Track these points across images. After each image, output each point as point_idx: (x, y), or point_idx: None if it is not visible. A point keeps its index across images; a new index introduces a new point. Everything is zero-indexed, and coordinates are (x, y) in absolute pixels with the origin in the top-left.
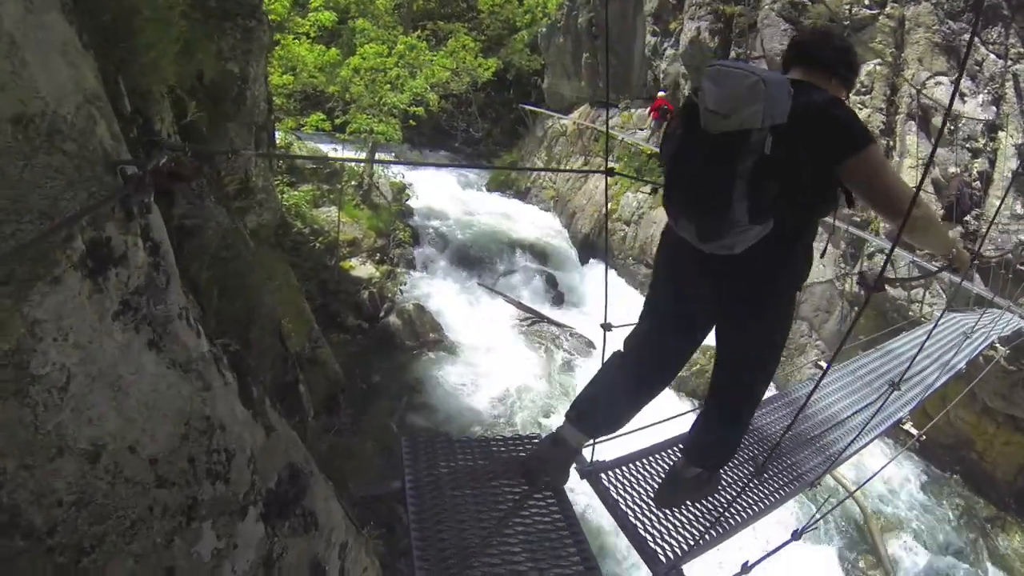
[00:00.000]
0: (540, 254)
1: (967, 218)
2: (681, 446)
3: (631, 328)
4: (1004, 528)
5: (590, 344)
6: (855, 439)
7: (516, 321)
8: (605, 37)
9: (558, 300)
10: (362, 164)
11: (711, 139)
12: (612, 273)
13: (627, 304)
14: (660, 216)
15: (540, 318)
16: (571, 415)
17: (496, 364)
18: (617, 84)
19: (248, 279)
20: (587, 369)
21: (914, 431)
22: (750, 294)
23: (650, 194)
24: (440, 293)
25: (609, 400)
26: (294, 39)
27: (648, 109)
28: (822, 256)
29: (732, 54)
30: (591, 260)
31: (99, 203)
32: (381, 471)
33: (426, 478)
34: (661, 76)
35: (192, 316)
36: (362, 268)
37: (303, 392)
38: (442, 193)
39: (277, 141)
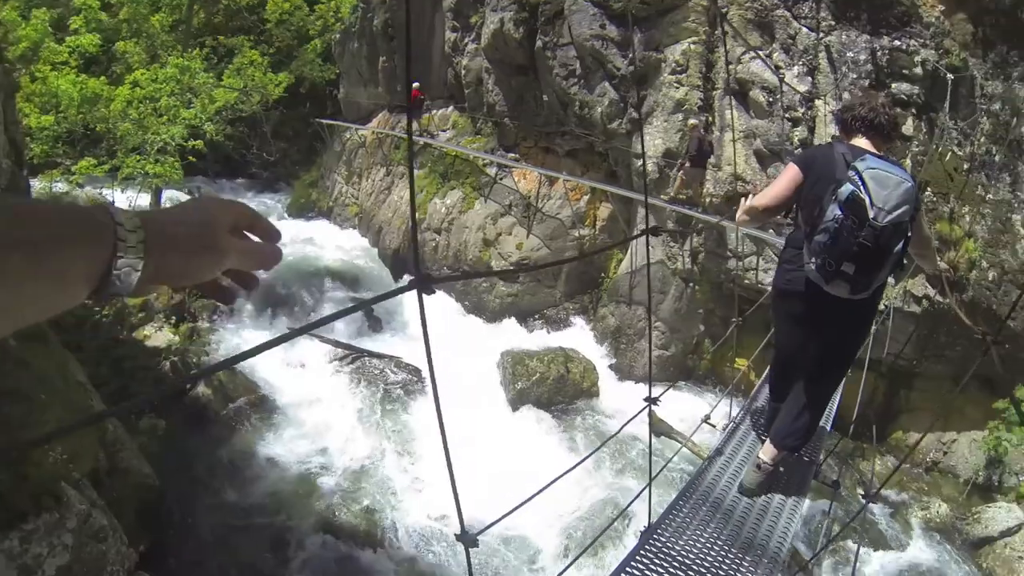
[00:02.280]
0: (351, 279)
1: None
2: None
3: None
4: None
5: (417, 372)
6: None
7: (336, 361)
8: (407, 36)
9: (377, 327)
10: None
11: (879, 228)
12: None
13: (448, 319)
14: (472, 221)
15: (360, 353)
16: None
17: (322, 416)
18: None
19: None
20: (418, 400)
21: None
22: (863, 325)
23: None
24: (250, 344)
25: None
26: (52, 70)
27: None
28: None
29: (538, 43)
30: (404, 277)
31: None
32: None
33: None
34: (463, 73)
35: None
36: (159, 335)
37: None
38: None
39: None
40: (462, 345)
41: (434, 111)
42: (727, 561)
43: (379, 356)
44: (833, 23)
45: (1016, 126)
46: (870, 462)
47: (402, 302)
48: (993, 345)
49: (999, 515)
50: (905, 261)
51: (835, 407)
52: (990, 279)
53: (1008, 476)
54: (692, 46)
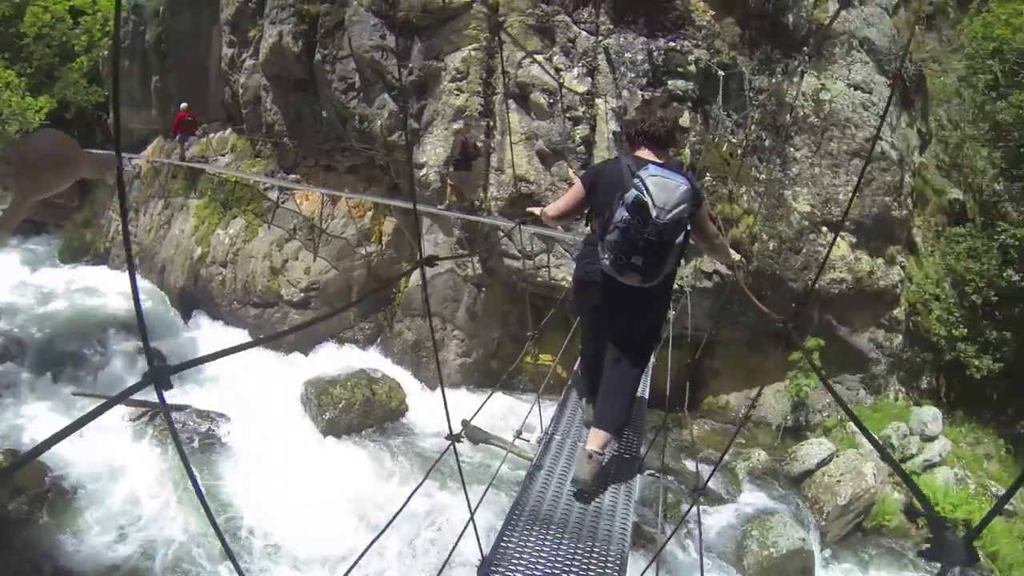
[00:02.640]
0: (136, 327)
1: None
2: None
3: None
4: (682, 424)
5: (221, 418)
6: None
7: (132, 422)
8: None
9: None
10: None
11: (661, 225)
12: (219, 324)
13: (242, 355)
14: (257, 250)
15: (155, 408)
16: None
17: (128, 488)
18: (192, 106)
19: None
20: (228, 448)
21: None
22: (654, 317)
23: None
24: (33, 420)
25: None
26: None
27: (172, 126)
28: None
29: (317, 56)
30: (194, 314)
31: None
32: None
33: None
34: (240, 92)
35: None
36: None
37: None
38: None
39: None
40: (262, 380)
41: (211, 134)
42: (576, 569)
43: (177, 408)
44: (612, 27)
45: (781, 114)
46: (688, 429)
47: (195, 343)
48: (793, 330)
49: (812, 450)
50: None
51: (648, 381)
52: (771, 249)
53: (812, 415)
54: (473, 53)
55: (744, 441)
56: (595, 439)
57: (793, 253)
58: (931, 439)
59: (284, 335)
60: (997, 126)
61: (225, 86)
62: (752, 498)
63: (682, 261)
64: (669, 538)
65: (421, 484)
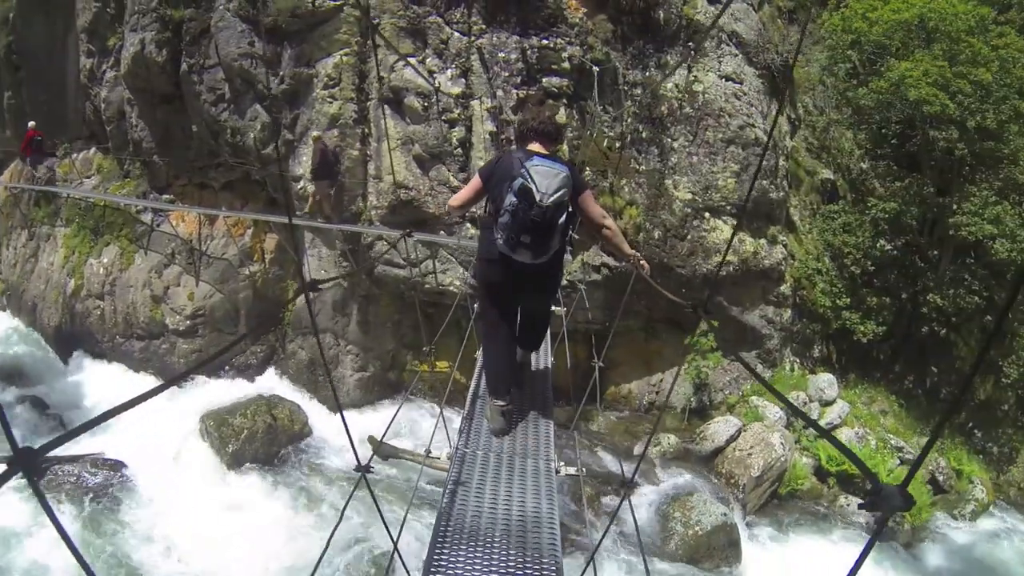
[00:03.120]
0: (13, 373)
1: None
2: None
3: None
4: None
5: (118, 466)
6: None
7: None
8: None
9: (58, 424)
10: None
11: (544, 207)
12: (102, 362)
13: (130, 395)
14: (135, 278)
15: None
16: (497, 389)
17: (31, 555)
18: (50, 123)
19: None
20: (131, 498)
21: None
22: (547, 289)
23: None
24: None
25: (507, 363)
26: None
27: (20, 148)
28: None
29: (184, 66)
30: (74, 354)
31: None
32: None
33: None
34: (103, 106)
35: None
36: None
37: None
38: None
39: None
40: (156, 420)
41: (74, 154)
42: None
43: (71, 460)
44: (484, 27)
45: (656, 107)
46: (595, 422)
47: (78, 386)
48: (704, 314)
49: (720, 428)
50: (577, 236)
51: (551, 360)
52: (656, 237)
53: (715, 394)
54: (344, 58)
55: (652, 427)
56: (498, 399)
57: (678, 240)
58: (829, 403)
59: (182, 376)
60: (859, 110)
61: (86, 100)
62: (669, 481)
63: (569, 257)
64: (603, 537)
65: (338, 525)
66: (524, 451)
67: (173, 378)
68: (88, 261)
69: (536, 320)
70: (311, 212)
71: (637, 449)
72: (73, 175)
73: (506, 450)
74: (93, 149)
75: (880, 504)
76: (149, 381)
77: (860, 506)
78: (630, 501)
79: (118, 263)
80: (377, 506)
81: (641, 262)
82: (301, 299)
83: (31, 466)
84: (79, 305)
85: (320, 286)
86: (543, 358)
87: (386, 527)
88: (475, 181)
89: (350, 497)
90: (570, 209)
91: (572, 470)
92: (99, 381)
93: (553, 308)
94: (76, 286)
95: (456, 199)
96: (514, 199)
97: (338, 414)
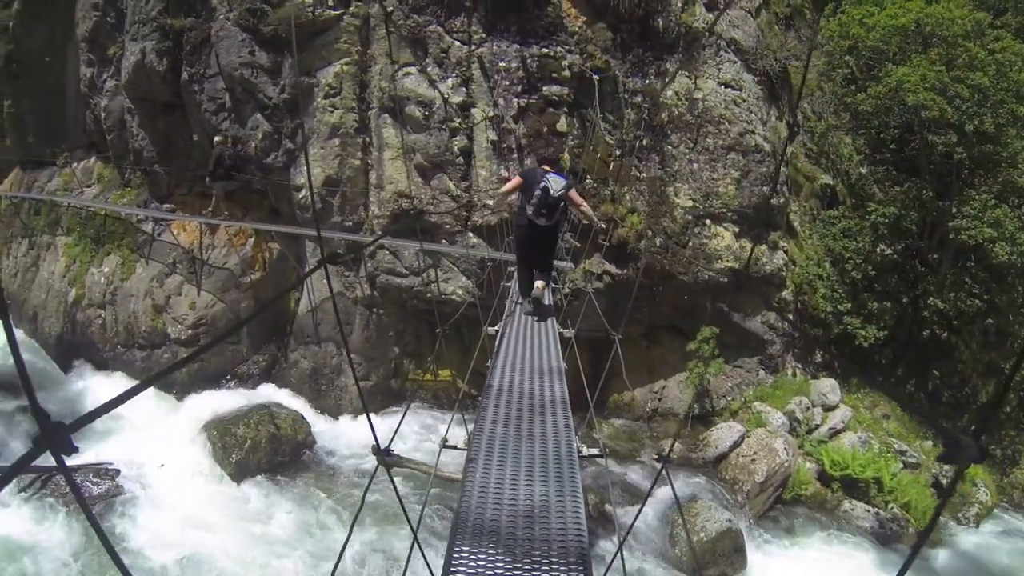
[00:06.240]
0: (12, 385)
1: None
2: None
3: None
4: (590, 424)
5: (118, 474)
6: None
7: (22, 492)
8: None
9: None
10: None
11: (554, 197)
12: (104, 372)
13: (132, 407)
14: (136, 287)
15: (47, 472)
16: (524, 292)
17: (30, 568)
18: (50, 133)
19: None
20: (134, 506)
21: None
22: (553, 239)
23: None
24: None
25: (528, 278)
26: None
27: None
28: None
29: (184, 75)
30: (75, 364)
31: None
32: None
33: None
34: (103, 115)
35: None
36: None
37: None
38: None
39: None
40: (159, 432)
41: (74, 163)
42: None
43: (72, 469)
44: (484, 36)
45: (657, 114)
46: (598, 429)
47: (80, 395)
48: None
49: (723, 434)
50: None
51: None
52: (658, 244)
53: (717, 400)
54: (345, 67)
55: (655, 434)
56: (538, 283)
57: (680, 247)
58: (832, 408)
59: (178, 367)
60: (858, 115)
61: (86, 110)
62: (676, 488)
63: (572, 265)
64: (623, 540)
65: (359, 513)
66: (543, 432)
67: (168, 367)
68: (89, 270)
69: (544, 255)
70: (214, 212)
71: (645, 455)
72: (74, 184)
73: (524, 433)
74: (93, 158)
75: (958, 456)
76: (151, 391)
77: (938, 458)
78: (668, 472)
79: (119, 272)
80: (396, 490)
81: (600, 223)
82: (303, 306)
83: (60, 441)
84: (80, 314)
85: (337, 260)
86: (547, 297)
87: (405, 513)
88: (517, 179)
89: (370, 482)
90: (569, 194)
91: (595, 451)
92: (100, 390)
93: (561, 331)
94: (77, 295)
95: (504, 188)
96: (539, 192)
97: (340, 420)
